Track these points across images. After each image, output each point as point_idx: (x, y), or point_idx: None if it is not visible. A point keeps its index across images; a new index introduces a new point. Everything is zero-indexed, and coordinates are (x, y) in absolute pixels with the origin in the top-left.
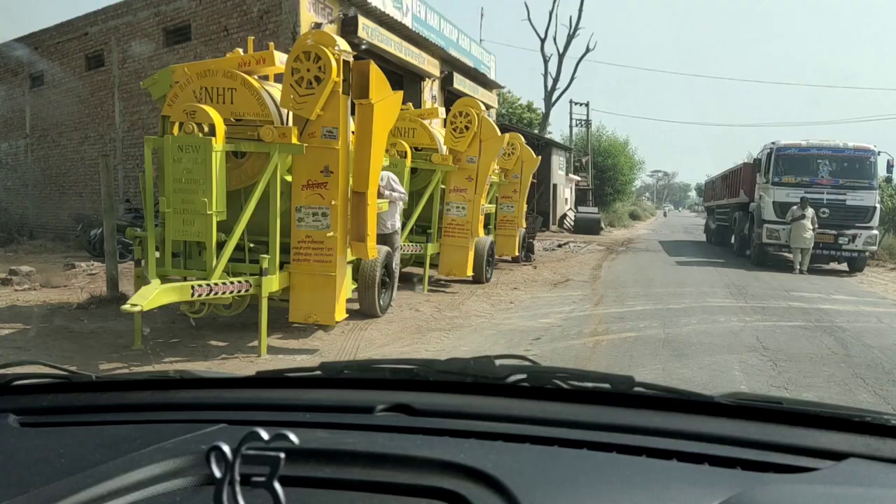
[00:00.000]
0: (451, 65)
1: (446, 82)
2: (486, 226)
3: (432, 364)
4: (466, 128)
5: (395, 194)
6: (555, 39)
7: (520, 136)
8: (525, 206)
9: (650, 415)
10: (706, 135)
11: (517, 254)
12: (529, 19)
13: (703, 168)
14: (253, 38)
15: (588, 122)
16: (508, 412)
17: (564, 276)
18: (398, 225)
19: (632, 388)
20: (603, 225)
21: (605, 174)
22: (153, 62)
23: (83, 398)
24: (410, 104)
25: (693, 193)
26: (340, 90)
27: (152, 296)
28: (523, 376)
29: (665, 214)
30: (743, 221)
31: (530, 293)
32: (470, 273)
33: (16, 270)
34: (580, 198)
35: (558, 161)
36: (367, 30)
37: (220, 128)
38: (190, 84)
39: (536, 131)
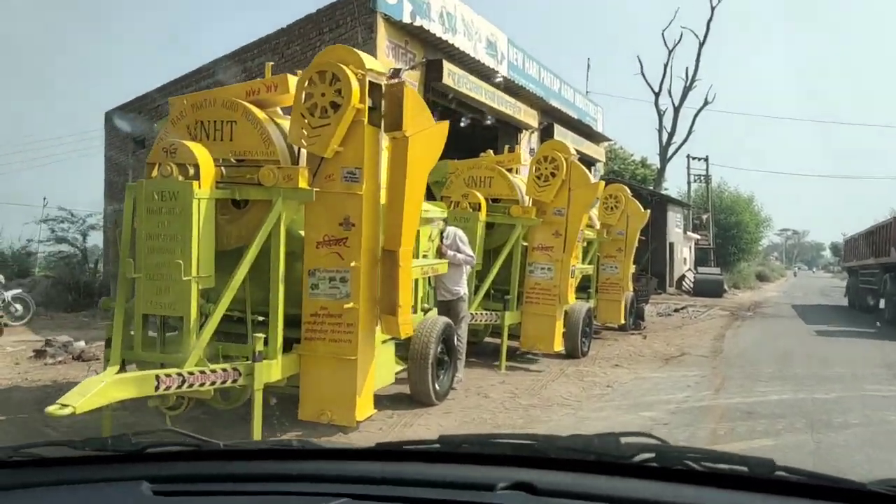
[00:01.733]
0: (552, 116)
1: (546, 134)
2: (584, 289)
3: (554, 440)
4: (553, 175)
5: (459, 256)
6: (670, 92)
7: (624, 187)
8: (632, 267)
9: (792, 502)
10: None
11: (623, 321)
12: (643, 73)
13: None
14: (272, 63)
15: (708, 178)
16: (635, 494)
17: (679, 349)
18: (463, 291)
19: (772, 473)
20: (726, 287)
21: (728, 232)
22: None
23: (212, 466)
24: (491, 151)
25: (827, 252)
26: (366, 120)
27: (93, 391)
28: (651, 455)
29: (795, 274)
30: None
31: (634, 372)
32: (558, 347)
33: (52, 341)
34: (701, 258)
35: (675, 218)
36: (454, 76)
37: (208, 169)
38: (183, 118)
39: (651, 188)
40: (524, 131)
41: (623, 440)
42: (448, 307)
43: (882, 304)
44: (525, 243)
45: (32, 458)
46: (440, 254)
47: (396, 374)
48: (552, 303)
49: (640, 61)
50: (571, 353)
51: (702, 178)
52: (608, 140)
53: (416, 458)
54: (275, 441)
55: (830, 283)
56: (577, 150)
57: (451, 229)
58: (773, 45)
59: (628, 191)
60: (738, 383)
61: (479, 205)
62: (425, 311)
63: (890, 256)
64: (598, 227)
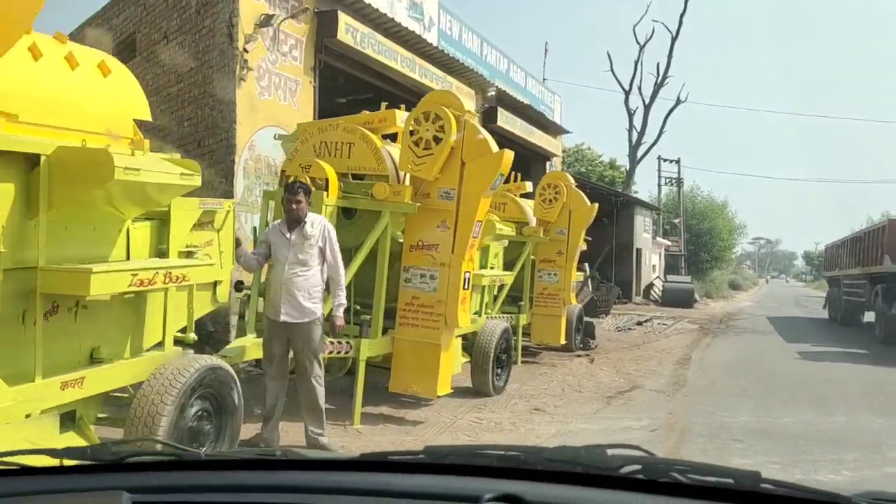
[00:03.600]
0: (496, 99)
1: (488, 119)
2: (515, 301)
3: (540, 452)
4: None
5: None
6: (640, 89)
7: (566, 176)
8: (575, 274)
9: None
10: (818, 195)
11: (564, 341)
12: (612, 70)
13: (811, 234)
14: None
15: (679, 181)
16: None
17: (630, 380)
18: (321, 312)
19: (758, 485)
20: (697, 296)
21: (700, 239)
22: None
23: (192, 477)
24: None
25: (800, 262)
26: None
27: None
28: (637, 468)
29: (767, 282)
30: (891, 297)
31: (559, 421)
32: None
33: None
34: (672, 265)
35: (643, 222)
36: (355, 33)
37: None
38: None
39: (620, 190)
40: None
41: (610, 452)
42: (292, 333)
43: (869, 318)
44: (533, 258)
45: (10, 467)
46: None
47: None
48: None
49: (609, 58)
50: (479, 389)
51: (673, 181)
52: (566, 132)
53: (402, 470)
54: (257, 451)
55: (804, 292)
56: (527, 141)
57: (318, 218)
58: (750, 40)
59: (571, 180)
60: (703, 444)
61: (328, 181)
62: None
63: (882, 265)
64: (533, 223)
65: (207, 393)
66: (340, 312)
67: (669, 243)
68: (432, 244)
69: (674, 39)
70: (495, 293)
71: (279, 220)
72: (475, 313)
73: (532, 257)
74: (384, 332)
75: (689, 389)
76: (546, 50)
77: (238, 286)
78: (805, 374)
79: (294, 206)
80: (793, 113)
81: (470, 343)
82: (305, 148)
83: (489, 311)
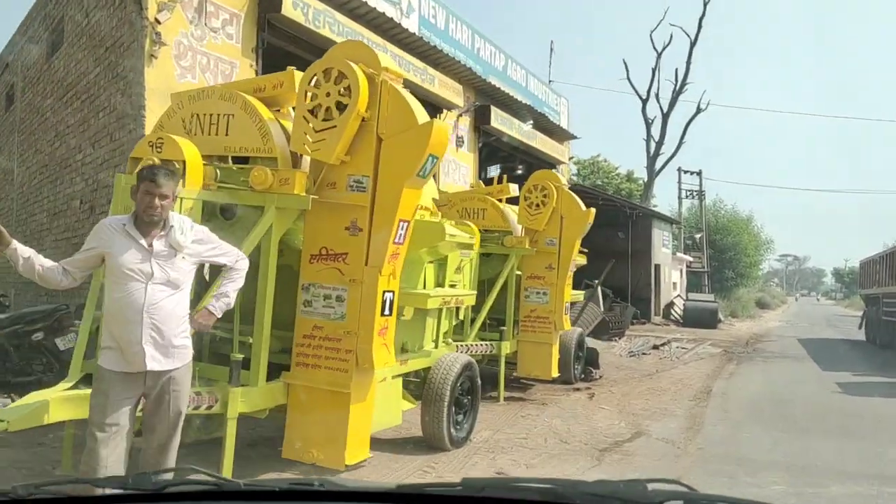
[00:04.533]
0: (491, 98)
1: (480, 118)
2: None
3: (578, 486)
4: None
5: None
6: (657, 97)
7: (557, 175)
8: (569, 293)
9: None
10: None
11: (554, 374)
12: (629, 78)
13: (840, 250)
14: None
15: (701, 194)
16: None
17: (634, 424)
18: (191, 350)
19: None
20: (721, 316)
21: (724, 255)
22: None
23: None
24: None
25: (829, 279)
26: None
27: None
28: (679, 503)
29: (797, 300)
30: None
31: None
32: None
33: None
34: (694, 282)
35: (662, 236)
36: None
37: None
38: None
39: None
40: (444, 112)
41: (650, 486)
42: (155, 386)
43: None
44: (519, 272)
45: (53, 497)
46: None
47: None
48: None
49: (625, 65)
50: (431, 441)
51: (695, 193)
52: (573, 137)
53: (438, 502)
54: (295, 480)
55: (835, 311)
56: (527, 145)
57: (184, 221)
58: (775, 42)
59: (562, 180)
60: None
61: (184, 165)
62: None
63: None
64: (518, 232)
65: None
66: (218, 304)
67: (691, 259)
68: (339, 253)
69: (692, 44)
70: (464, 317)
71: (120, 217)
72: (433, 343)
73: (518, 272)
74: (276, 374)
75: (705, 438)
76: (552, 49)
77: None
78: (851, 413)
79: (156, 200)
80: (821, 115)
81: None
82: (172, 122)
83: (464, 339)
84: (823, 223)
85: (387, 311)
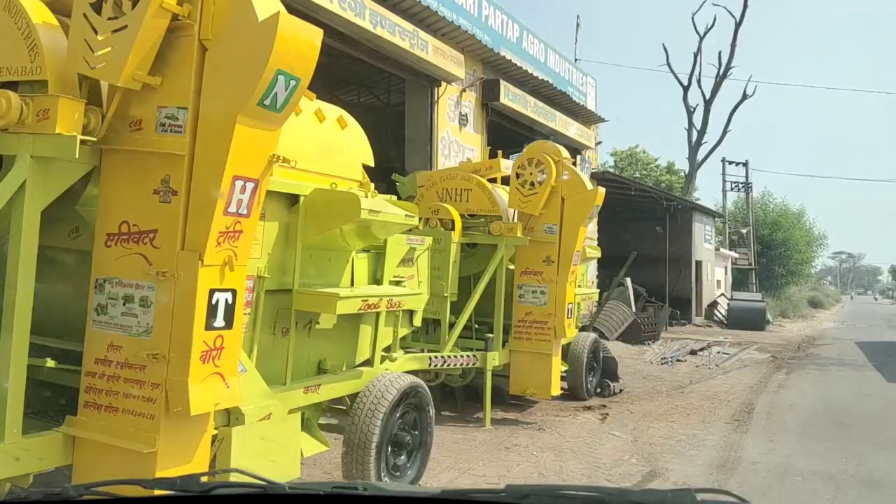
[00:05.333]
0: (501, 72)
1: (488, 94)
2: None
3: (626, 494)
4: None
5: None
6: (699, 83)
7: (557, 147)
8: (571, 292)
9: None
10: None
11: (555, 392)
12: (669, 64)
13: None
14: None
15: (748, 186)
16: None
17: (648, 457)
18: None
19: None
20: (770, 317)
21: (773, 251)
22: None
23: None
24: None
25: (885, 278)
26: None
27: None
28: None
29: (852, 298)
30: None
31: None
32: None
33: None
34: (740, 280)
35: (703, 231)
36: None
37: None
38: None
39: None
40: (443, 84)
41: (699, 496)
42: None
43: None
44: (512, 266)
45: (103, 497)
46: None
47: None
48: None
49: (665, 50)
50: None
51: (741, 185)
52: (601, 120)
53: None
54: (339, 483)
55: (893, 310)
56: (545, 126)
57: None
58: (828, 19)
59: (563, 152)
60: None
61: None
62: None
63: None
64: (510, 218)
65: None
66: None
67: (737, 255)
68: (146, 231)
69: (738, 25)
70: (443, 322)
71: None
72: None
73: (511, 266)
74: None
75: (741, 483)
76: (578, 24)
77: None
78: None
79: None
80: (876, 91)
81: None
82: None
83: (440, 349)
84: (879, 218)
85: (218, 322)
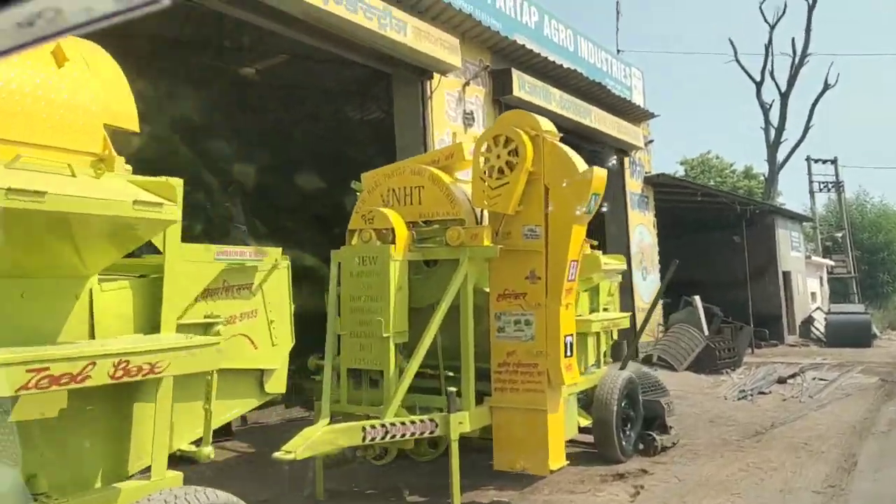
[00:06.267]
0: (515, 61)
1: (499, 86)
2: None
3: None
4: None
5: None
6: (772, 76)
7: (535, 118)
8: (569, 315)
9: None
10: None
11: (555, 465)
12: (737, 59)
13: None
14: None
15: (839, 185)
16: None
17: None
18: None
19: None
20: (876, 330)
21: (875, 256)
22: None
23: None
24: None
25: None
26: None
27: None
28: None
29: None
30: None
31: None
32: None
33: None
34: (839, 291)
35: (789, 237)
36: None
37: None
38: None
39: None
40: (435, 76)
41: None
42: None
43: None
44: (487, 289)
45: None
46: None
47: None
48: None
49: (732, 44)
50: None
51: (830, 185)
52: (650, 116)
53: None
54: None
55: None
56: (576, 123)
57: None
58: None
59: (544, 124)
60: None
61: (393, 231)
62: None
63: None
64: (477, 222)
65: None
66: None
67: (833, 263)
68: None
69: (811, 8)
70: (386, 373)
71: None
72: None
73: (486, 289)
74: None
75: None
76: (618, 12)
77: None
78: None
79: None
80: None
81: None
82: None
83: (381, 414)
84: None
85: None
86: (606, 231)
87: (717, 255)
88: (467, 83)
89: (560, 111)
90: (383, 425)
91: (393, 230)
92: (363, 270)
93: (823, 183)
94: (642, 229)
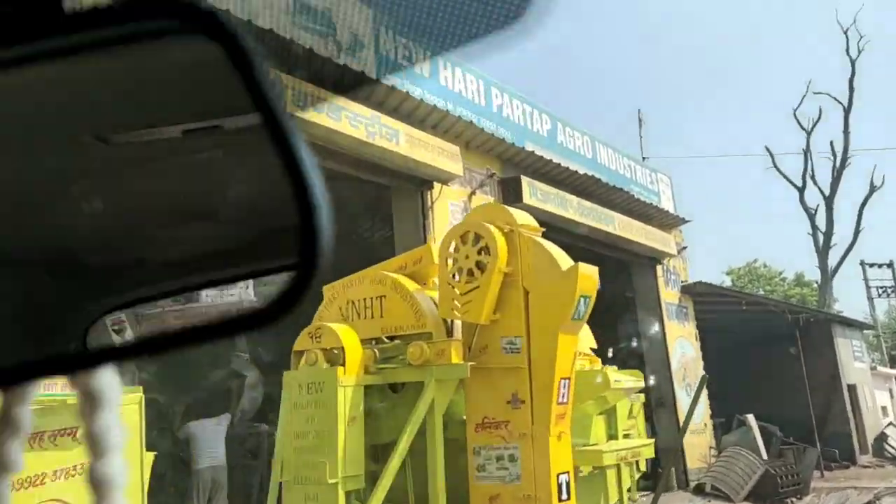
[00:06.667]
0: (527, 169)
1: (508, 194)
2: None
3: None
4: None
5: None
6: (813, 178)
7: (507, 211)
8: (563, 445)
9: None
10: None
11: None
12: (776, 166)
13: None
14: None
15: None
16: None
17: None
18: None
19: None
20: None
21: None
22: None
23: None
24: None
25: None
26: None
27: None
28: None
29: None
30: None
31: None
32: None
33: None
34: None
35: (850, 347)
36: None
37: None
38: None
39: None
40: (436, 186)
41: None
42: None
43: None
44: (465, 417)
45: None
46: None
47: None
48: None
49: (770, 153)
50: None
51: (889, 290)
52: (682, 221)
53: None
54: None
55: None
56: (599, 232)
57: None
58: None
59: (520, 217)
60: None
61: (343, 351)
62: None
63: None
64: (449, 335)
65: None
66: None
67: None
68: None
69: (847, 110)
70: None
71: None
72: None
73: (463, 417)
74: None
75: None
76: (641, 120)
77: None
78: None
79: None
80: None
81: None
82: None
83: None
84: None
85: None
86: (642, 346)
87: (774, 370)
88: (473, 192)
89: (579, 218)
90: None
91: (343, 349)
92: (309, 400)
93: (881, 288)
94: (683, 342)
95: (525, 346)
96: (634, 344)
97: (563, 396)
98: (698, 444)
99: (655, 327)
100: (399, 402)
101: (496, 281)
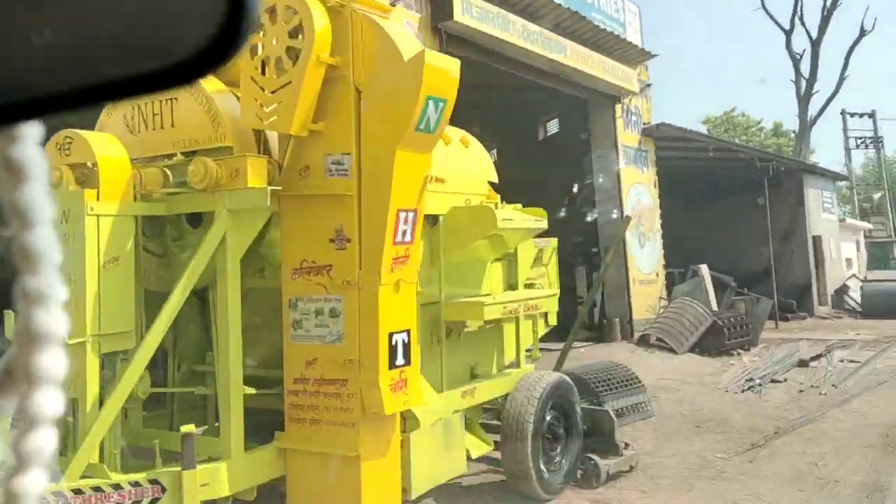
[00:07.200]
0: None
1: (440, 11)
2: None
3: None
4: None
5: None
6: (802, 21)
7: None
8: (405, 296)
9: None
10: None
11: None
12: (764, 6)
13: None
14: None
15: (878, 141)
16: None
17: None
18: None
19: None
20: None
21: None
22: None
23: None
24: None
25: None
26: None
27: None
28: None
29: None
30: None
31: None
32: None
33: None
34: (878, 256)
35: (819, 198)
36: None
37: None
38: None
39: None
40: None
41: None
42: None
43: None
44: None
45: None
46: None
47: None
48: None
49: None
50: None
51: (868, 141)
52: (648, 55)
53: None
54: None
55: None
56: (555, 63)
57: None
58: None
59: None
60: None
61: (97, 167)
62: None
63: None
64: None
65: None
66: None
67: (870, 227)
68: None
69: None
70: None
71: None
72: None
73: (268, 268)
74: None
75: None
76: None
77: None
78: None
79: None
80: None
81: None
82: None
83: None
84: None
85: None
86: (595, 190)
87: (738, 220)
88: (393, 4)
89: (525, 45)
90: (61, 494)
91: (97, 164)
92: (60, 234)
93: (860, 138)
94: (640, 189)
95: (355, 167)
96: (584, 190)
97: (403, 234)
98: (648, 293)
99: (610, 172)
100: (197, 239)
101: (314, 75)
